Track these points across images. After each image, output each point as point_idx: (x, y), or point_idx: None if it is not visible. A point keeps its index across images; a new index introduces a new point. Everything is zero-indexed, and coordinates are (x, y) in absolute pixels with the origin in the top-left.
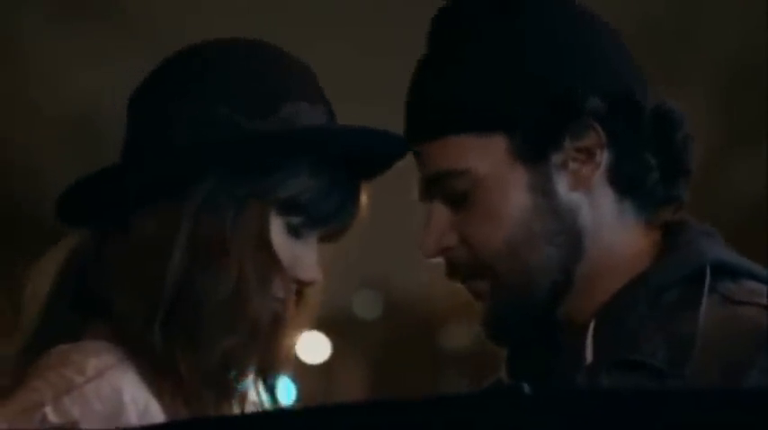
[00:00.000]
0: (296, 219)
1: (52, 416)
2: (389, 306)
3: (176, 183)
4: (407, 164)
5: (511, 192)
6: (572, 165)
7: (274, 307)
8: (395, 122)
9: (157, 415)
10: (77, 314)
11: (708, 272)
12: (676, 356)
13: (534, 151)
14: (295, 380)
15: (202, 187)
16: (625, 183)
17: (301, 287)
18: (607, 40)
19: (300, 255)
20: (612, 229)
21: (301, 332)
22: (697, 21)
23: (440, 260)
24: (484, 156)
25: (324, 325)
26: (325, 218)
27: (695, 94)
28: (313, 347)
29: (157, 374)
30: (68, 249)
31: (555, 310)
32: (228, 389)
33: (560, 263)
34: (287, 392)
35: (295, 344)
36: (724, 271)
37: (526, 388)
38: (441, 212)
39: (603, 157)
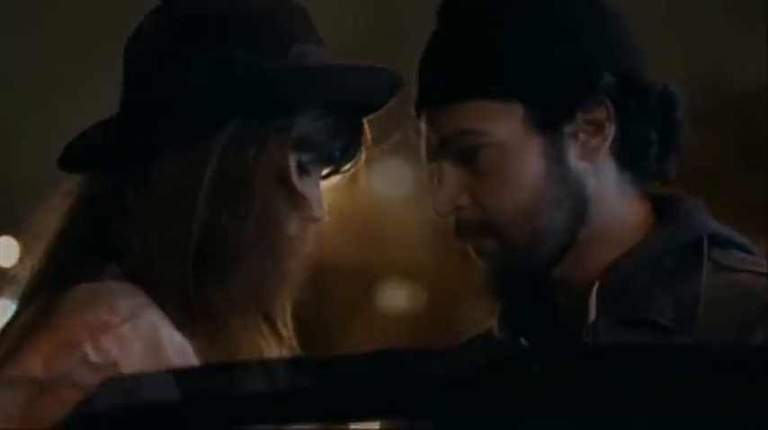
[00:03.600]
0: (306, 157)
1: (93, 356)
2: None
3: (198, 125)
4: None
5: (526, 158)
6: (582, 137)
7: (291, 245)
8: None
9: (193, 357)
10: (89, 256)
11: (705, 241)
12: (683, 316)
13: (549, 121)
14: None
15: (226, 128)
16: (627, 156)
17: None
18: (616, 21)
19: (309, 192)
20: (613, 198)
21: (303, 270)
22: None
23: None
24: (501, 122)
25: None
26: (334, 155)
27: None
28: None
29: (188, 315)
30: (74, 193)
31: (555, 269)
32: (261, 326)
33: (567, 226)
34: None
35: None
36: (716, 241)
37: (523, 341)
38: (454, 172)
39: (611, 131)
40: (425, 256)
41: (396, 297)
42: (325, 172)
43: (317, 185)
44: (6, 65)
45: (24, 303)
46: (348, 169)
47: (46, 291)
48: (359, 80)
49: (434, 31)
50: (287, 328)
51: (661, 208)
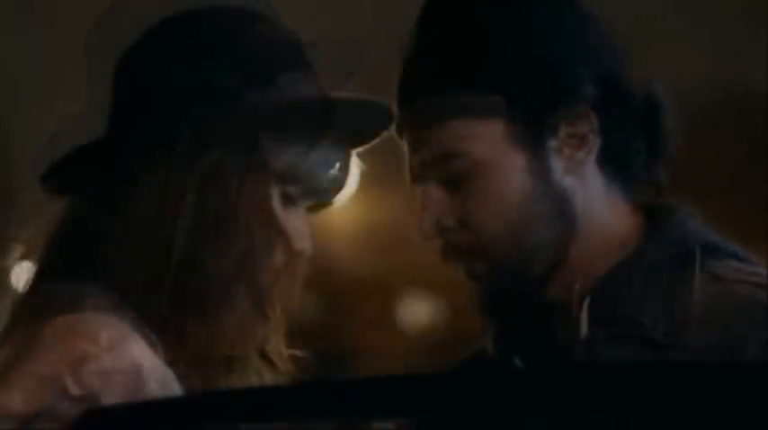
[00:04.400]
0: (292, 190)
1: (73, 388)
2: None
3: (178, 151)
4: None
5: (510, 176)
6: (566, 150)
7: (275, 278)
8: None
9: (176, 386)
10: (72, 281)
11: (698, 251)
12: (675, 330)
13: (531, 136)
14: None
15: (207, 157)
16: (614, 166)
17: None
18: (598, 28)
19: (294, 224)
20: (602, 210)
21: (294, 302)
22: None
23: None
24: (482, 141)
25: None
26: (321, 187)
27: None
28: None
29: (167, 345)
30: (60, 214)
31: (546, 287)
32: (239, 359)
33: (555, 243)
34: None
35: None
36: (710, 250)
37: (517, 360)
38: (438, 195)
39: (595, 143)
40: (444, 270)
41: (416, 311)
42: (311, 203)
43: (303, 217)
44: (1, 68)
45: (7, 333)
46: (337, 200)
47: (28, 320)
48: (346, 113)
49: (409, 51)
50: (282, 358)
51: (653, 218)
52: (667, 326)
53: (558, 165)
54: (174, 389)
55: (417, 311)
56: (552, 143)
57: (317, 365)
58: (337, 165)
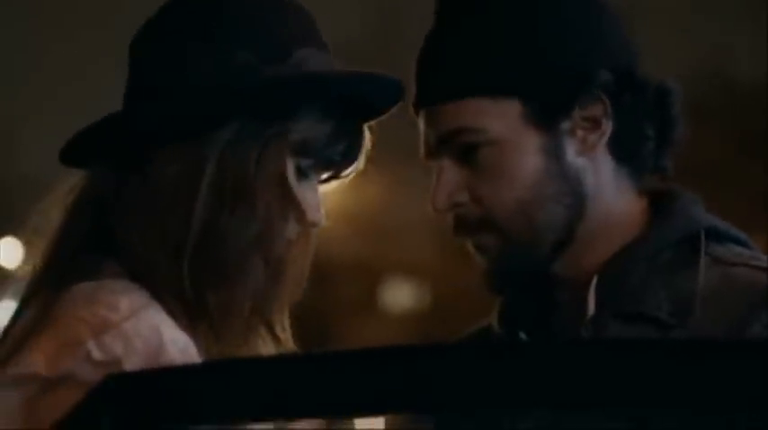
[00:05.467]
0: (305, 162)
1: (96, 353)
2: None
3: (196, 123)
4: None
5: (524, 155)
6: (579, 133)
7: (290, 249)
8: None
9: (195, 353)
10: (90, 253)
11: (702, 235)
12: (680, 310)
13: (546, 118)
14: None
15: (225, 130)
16: (624, 151)
17: (306, 229)
18: (611, 16)
19: (307, 196)
20: (610, 194)
21: (304, 275)
22: None
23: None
24: (499, 119)
25: None
26: (333, 160)
27: None
28: None
29: (187, 313)
30: (76, 189)
31: (554, 265)
32: (257, 328)
33: (565, 222)
34: None
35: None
36: (713, 235)
37: (523, 336)
38: (452, 169)
39: (608, 127)
40: (430, 253)
41: (400, 294)
42: (324, 176)
43: (316, 189)
44: (6, 65)
45: (25, 302)
46: (348, 174)
47: (46, 289)
48: (358, 86)
49: (431, 30)
50: (285, 331)
51: (658, 203)
52: (672, 307)
53: (570, 146)
54: (194, 355)
55: (400, 295)
56: (566, 125)
57: (298, 348)
58: (349, 138)
